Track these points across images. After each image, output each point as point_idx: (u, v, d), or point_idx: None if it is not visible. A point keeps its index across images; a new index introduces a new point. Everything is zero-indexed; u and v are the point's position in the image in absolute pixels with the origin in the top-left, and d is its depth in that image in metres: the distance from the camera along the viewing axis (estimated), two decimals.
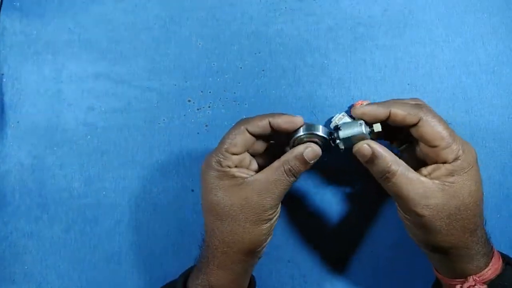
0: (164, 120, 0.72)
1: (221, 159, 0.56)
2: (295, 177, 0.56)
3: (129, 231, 0.72)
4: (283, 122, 0.56)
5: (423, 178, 0.53)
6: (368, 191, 0.70)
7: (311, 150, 0.56)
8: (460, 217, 0.53)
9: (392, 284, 0.69)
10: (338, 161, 0.70)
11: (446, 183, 0.52)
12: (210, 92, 0.72)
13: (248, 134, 0.56)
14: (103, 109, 0.73)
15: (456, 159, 0.52)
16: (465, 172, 0.52)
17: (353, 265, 0.70)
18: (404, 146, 0.61)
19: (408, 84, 0.71)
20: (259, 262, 0.69)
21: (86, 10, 0.75)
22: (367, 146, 0.54)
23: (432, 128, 0.53)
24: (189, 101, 0.72)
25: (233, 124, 0.58)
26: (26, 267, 0.72)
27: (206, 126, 0.72)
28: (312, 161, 0.56)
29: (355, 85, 0.71)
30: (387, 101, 0.57)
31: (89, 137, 0.73)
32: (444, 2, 0.72)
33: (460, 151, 0.52)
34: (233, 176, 0.56)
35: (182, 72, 0.73)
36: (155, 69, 0.73)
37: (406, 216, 0.55)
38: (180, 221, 0.71)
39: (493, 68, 0.70)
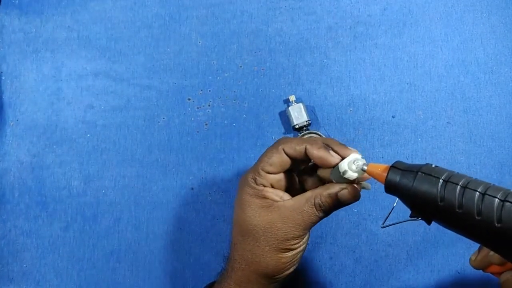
0: (163, 118, 0.72)
1: (257, 177, 0.55)
2: (325, 213, 0.54)
3: (129, 229, 0.71)
4: (317, 157, 0.53)
5: None
6: (368, 191, 0.70)
7: (346, 193, 0.53)
8: None
9: (392, 284, 0.69)
10: None
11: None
12: (209, 90, 0.73)
13: (284, 155, 0.54)
14: (102, 107, 0.73)
15: None
16: None
17: (353, 265, 0.70)
18: None
19: (407, 83, 0.71)
20: None
21: (85, 8, 0.74)
22: None
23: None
24: (188, 99, 0.72)
25: None
26: (24, 265, 0.71)
27: (206, 124, 0.72)
28: (348, 203, 0.54)
29: (355, 84, 0.71)
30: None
31: (88, 135, 0.72)
32: (443, 1, 0.72)
33: None
34: (264, 197, 0.55)
35: (182, 71, 0.73)
36: (154, 67, 0.73)
37: None
38: (180, 219, 0.71)
39: (492, 67, 0.71)
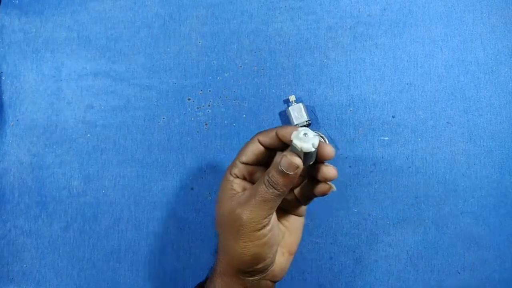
0: (163, 118, 0.72)
1: (232, 168, 0.56)
2: (277, 190, 0.52)
3: (128, 229, 0.72)
4: (288, 132, 0.52)
5: None
6: (368, 191, 0.70)
7: (285, 160, 0.51)
8: None
9: (392, 284, 0.69)
10: (339, 165, 0.70)
11: None
12: (210, 90, 0.73)
13: (258, 144, 0.55)
14: (102, 107, 0.73)
15: None
16: None
17: (353, 265, 0.70)
18: None
19: (407, 83, 0.71)
20: None
21: (85, 8, 0.74)
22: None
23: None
24: (188, 99, 0.72)
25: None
26: (24, 265, 0.71)
27: (206, 124, 0.72)
28: (291, 172, 0.51)
29: (354, 84, 0.71)
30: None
31: (88, 135, 0.73)
32: (443, 1, 0.72)
33: None
34: (232, 188, 0.55)
35: (182, 71, 0.73)
36: (154, 67, 0.73)
37: None
38: (180, 219, 0.71)
39: (492, 67, 0.71)
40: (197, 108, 0.72)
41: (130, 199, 0.72)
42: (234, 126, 0.72)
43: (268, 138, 0.55)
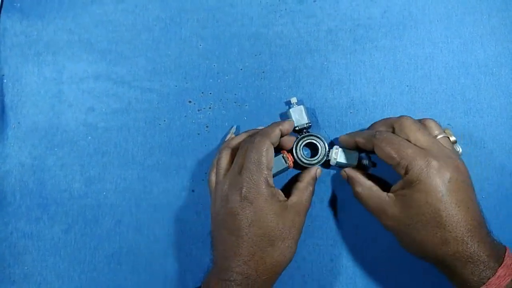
0: (164, 121, 0.72)
1: (268, 177, 0.59)
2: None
3: (129, 231, 0.72)
4: (290, 125, 0.65)
5: (380, 193, 0.60)
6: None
7: (320, 171, 0.67)
8: (422, 226, 0.54)
9: (392, 285, 0.69)
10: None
11: (398, 195, 0.57)
12: (210, 93, 0.73)
13: (272, 148, 0.61)
14: (103, 109, 0.73)
15: (405, 174, 0.56)
16: (414, 185, 0.55)
17: (353, 265, 0.70)
18: None
19: (407, 85, 0.71)
20: None
21: (86, 11, 0.75)
22: (344, 173, 0.66)
23: (382, 150, 0.59)
24: (189, 102, 0.73)
25: (241, 133, 0.67)
26: (26, 268, 0.72)
27: (207, 127, 0.72)
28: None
29: (355, 87, 0.71)
30: (356, 132, 0.67)
31: (89, 137, 0.73)
32: (443, 3, 0.72)
33: (409, 167, 0.56)
34: (279, 200, 0.59)
35: (183, 73, 0.73)
36: (155, 70, 0.73)
37: (387, 230, 0.60)
38: (181, 222, 0.71)
39: (492, 69, 0.71)
40: (198, 110, 0.73)
41: (131, 202, 0.72)
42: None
43: (276, 139, 0.62)
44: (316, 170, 0.66)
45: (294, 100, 0.70)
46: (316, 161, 0.68)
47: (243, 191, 0.58)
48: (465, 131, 0.70)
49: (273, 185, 0.59)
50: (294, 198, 0.61)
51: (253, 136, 0.62)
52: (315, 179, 0.66)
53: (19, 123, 0.73)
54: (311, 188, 0.64)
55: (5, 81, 0.74)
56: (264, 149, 0.59)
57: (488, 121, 0.70)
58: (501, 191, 0.69)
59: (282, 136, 0.64)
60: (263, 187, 0.58)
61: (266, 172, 0.58)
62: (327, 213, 0.70)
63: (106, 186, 0.72)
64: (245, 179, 0.58)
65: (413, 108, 0.71)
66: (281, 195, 0.60)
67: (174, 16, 0.74)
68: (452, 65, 0.71)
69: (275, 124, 0.64)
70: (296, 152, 0.68)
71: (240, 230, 0.57)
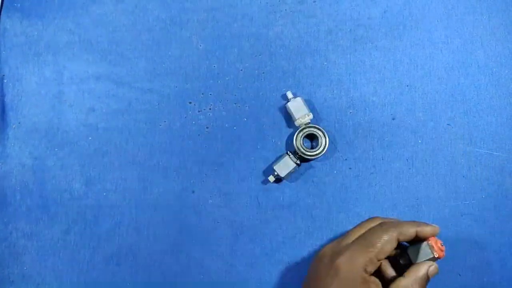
0: (165, 121, 0.72)
1: (369, 265, 0.54)
2: None
3: (129, 232, 0.71)
4: (430, 232, 0.57)
5: None
6: (368, 193, 0.70)
7: (434, 269, 0.56)
8: None
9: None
10: (338, 166, 0.70)
11: None
12: (210, 94, 0.73)
13: (395, 243, 0.55)
14: (104, 110, 0.73)
15: None
16: None
17: None
18: None
19: (407, 85, 0.71)
20: (260, 264, 0.69)
21: (87, 11, 0.75)
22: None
23: None
24: (190, 103, 0.73)
25: (366, 221, 0.62)
26: (25, 268, 0.71)
27: (207, 128, 0.72)
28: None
29: (354, 86, 0.71)
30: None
31: (90, 138, 0.73)
32: (443, 3, 0.72)
33: None
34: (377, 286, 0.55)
35: (183, 74, 0.73)
36: (156, 71, 0.73)
37: None
38: (180, 222, 0.71)
39: (492, 69, 0.71)
40: (198, 111, 0.73)
41: (131, 202, 0.72)
42: (235, 129, 0.72)
43: (407, 238, 0.56)
44: (427, 268, 0.55)
45: (290, 94, 0.70)
46: (317, 152, 0.68)
47: (336, 261, 0.55)
48: (465, 130, 0.70)
49: (371, 272, 0.54)
50: None
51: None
52: (425, 280, 0.55)
53: (19, 123, 0.73)
54: None
55: (5, 81, 0.74)
56: (384, 238, 0.54)
57: (488, 121, 0.70)
58: (501, 191, 0.69)
59: (420, 239, 0.57)
60: (358, 265, 0.54)
61: (372, 260, 0.54)
62: (327, 213, 0.70)
63: (106, 187, 0.72)
64: (349, 249, 0.56)
65: (413, 108, 0.70)
66: (376, 284, 0.55)
67: (174, 16, 0.74)
68: (452, 65, 0.71)
69: (412, 223, 0.57)
70: (296, 144, 0.68)
71: None
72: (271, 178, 0.69)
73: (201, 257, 0.71)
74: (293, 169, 0.68)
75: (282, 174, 0.68)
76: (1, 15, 0.75)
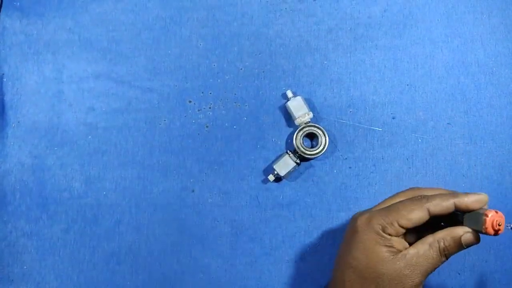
0: (164, 120, 0.72)
1: (387, 226, 0.54)
2: (447, 258, 0.54)
3: (129, 231, 0.71)
4: (471, 202, 0.53)
5: None
6: (368, 192, 0.70)
7: (470, 237, 0.53)
8: None
9: None
10: (338, 165, 0.71)
11: None
12: (210, 93, 0.73)
13: (427, 214, 0.54)
14: (103, 109, 0.73)
15: None
16: None
17: None
18: None
19: (407, 84, 0.71)
20: (260, 263, 0.69)
21: (86, 10, 0.75)
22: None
23: None
24: (189, 102, 0.73)
25: (404, 191, 0.60)
26: (25, 267, 0.71)
27: (207, 127, 0.72)
28: (466, 247, 0.54)
29: (355, 86, 0.71)
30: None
31: (89, 137, 0.73)
32: (444, 2, 0.72)
33: None
34: (391, 246, 0.54)
35: (183, 73, 0.73)
36: (155, 70, 0.73)
37: None
38: (180, 222, 0.71)
39: (492, 68, 0.71)
40: (198, 110, 0.73)
41: (131, 201, 0.72)
42: (234, 128, 0.72)
43: (442, 210, 0.54)
44: (462, 232, 0.53)
45: (289, 93, 0.70)
46: (317, 152, 0.68)
47: (357, 220, 0.57)
48: (465, 130, 0.70)
49: (390, 233, 0.54)
50: (410, 249, 0.54)
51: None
52: (457, 243, 0.53)
53: (19, 122, 0.73)
54: (437, 246, 0.53)
55: (5, 80, 0.74)
56: (411, 207, 0.54)
57: (488, 120, 0.70)
58: (500, 190, 0.69)
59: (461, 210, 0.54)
60: (374, 226, 0.55)
61: (389, 222, 0.54)
62: (327, 212, 0.70)
63: (106, 186, 0.72)
64: (367, 213, 0.57)
65: (413, 107, 0.71)
66: (400, 243, 0.55)
67: (174, 15, 0.74)
68: (452, 64, 0.71)
69: (451, 195, 0.55)
70: (296, 143, 0.68)
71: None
72: (271, 177, 0.69)
73: (201, 256, 0.71)
74: (293, 168, 0.68)
75: (282, 173, 0.68)
76: (0, 14, 0.75)
